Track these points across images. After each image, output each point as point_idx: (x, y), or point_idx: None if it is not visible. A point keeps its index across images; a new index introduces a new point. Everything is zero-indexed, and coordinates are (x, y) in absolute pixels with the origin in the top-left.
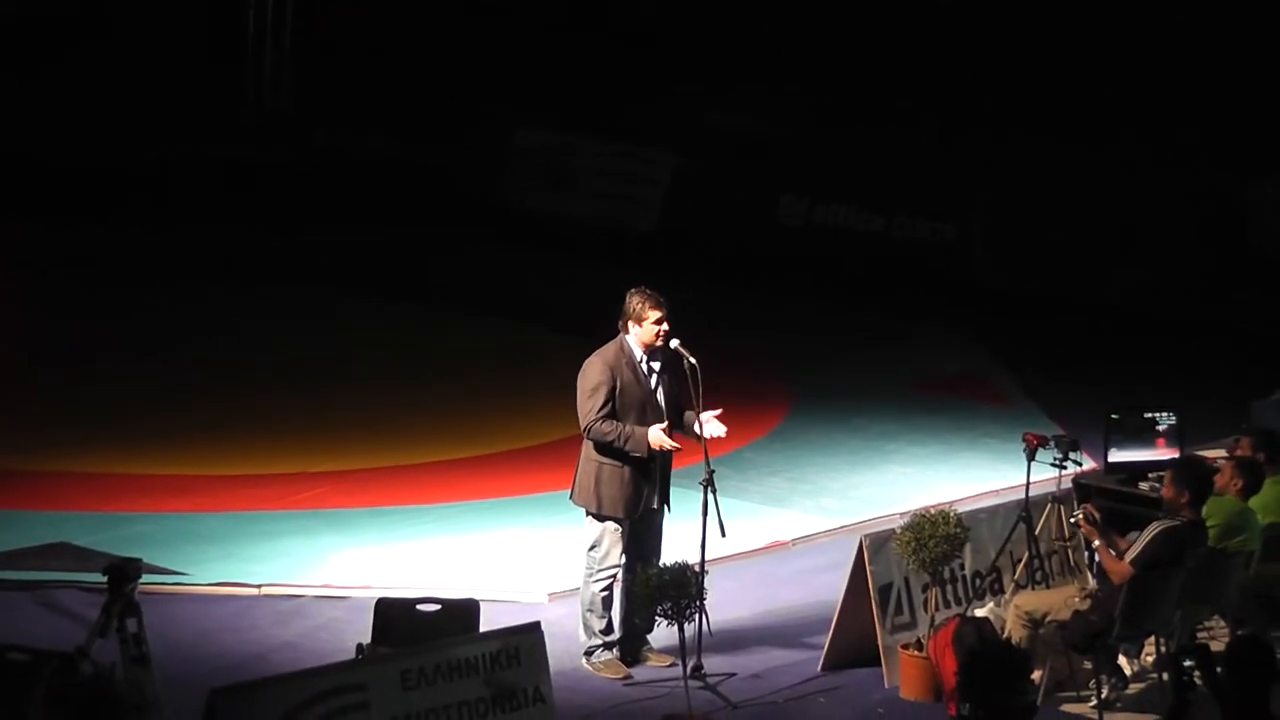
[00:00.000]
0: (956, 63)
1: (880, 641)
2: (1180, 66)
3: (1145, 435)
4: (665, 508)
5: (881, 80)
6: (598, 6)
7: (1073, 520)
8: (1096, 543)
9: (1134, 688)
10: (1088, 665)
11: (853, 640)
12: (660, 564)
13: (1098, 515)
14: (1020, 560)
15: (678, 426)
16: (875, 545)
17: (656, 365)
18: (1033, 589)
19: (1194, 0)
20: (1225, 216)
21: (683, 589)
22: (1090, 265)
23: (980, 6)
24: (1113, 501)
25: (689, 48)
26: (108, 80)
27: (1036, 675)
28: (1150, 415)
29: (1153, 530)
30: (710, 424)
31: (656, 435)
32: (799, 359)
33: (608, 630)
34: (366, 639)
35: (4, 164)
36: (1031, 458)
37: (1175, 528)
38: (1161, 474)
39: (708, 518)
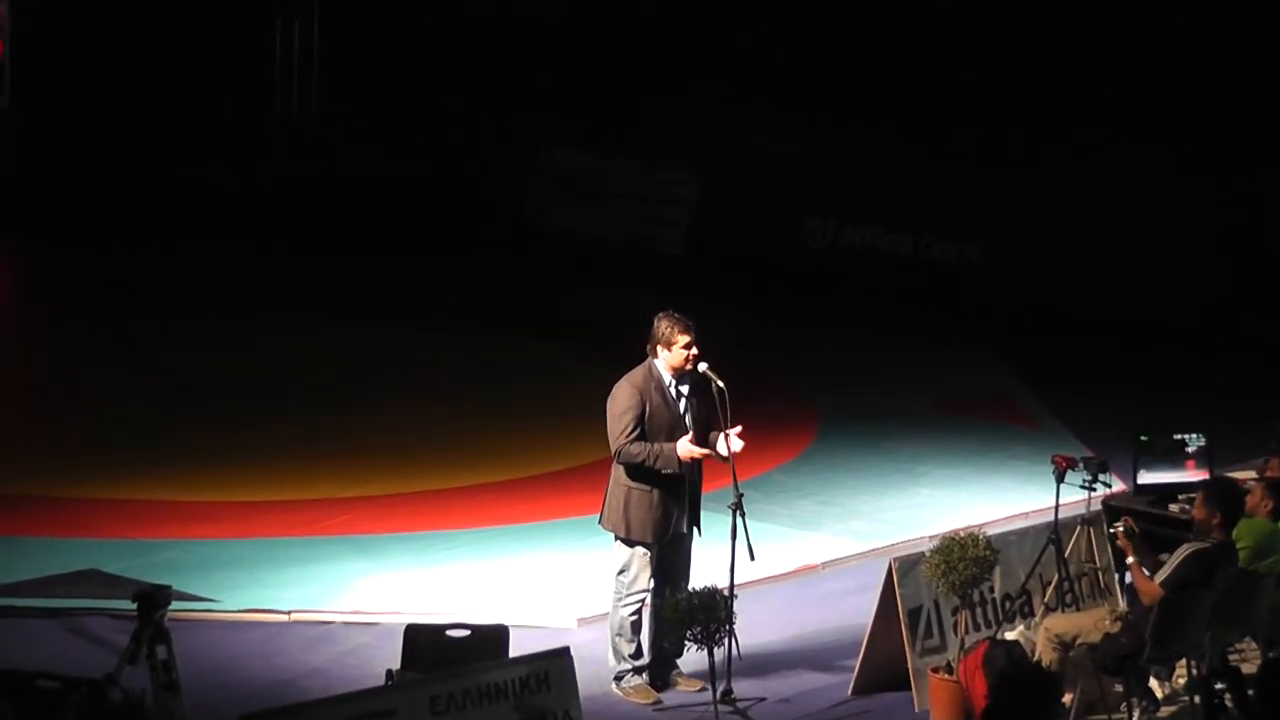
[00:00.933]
0: (983, 83)
1: (910, 665)
2: (1200, 80)
3: (1174, 457)
4: (695, 531)
5: (907, 102)
6: (626, 29)
7: (1112, 530)
8: (1130, 559)
9: (1165, 710)
10: (1118, 688)
11: (883, 663)
12: (689, 588)
13: (1137, 529)
14: (1050, 583)
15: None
16: (905, 568)
17: (685, 389)
18: (1063, 611)
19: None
20: (1251, 229)
21: (712, 613)
22: (1116, 283)
23: (1005, 31)
24: (1143, 523)
25: (717, 71)
26: (137, 101)
27: (1067, 698)
28: (1179, 437)
29: (1182, 552)
30: (728, 440)
31: (685, 447)
32: (827, 381)
33: (637, 655)
34: (396, 665)
35: (36, 186)
36: (1060, 480)
37: (1205, 550)
38: (1191, 495)
39: (737, 541)
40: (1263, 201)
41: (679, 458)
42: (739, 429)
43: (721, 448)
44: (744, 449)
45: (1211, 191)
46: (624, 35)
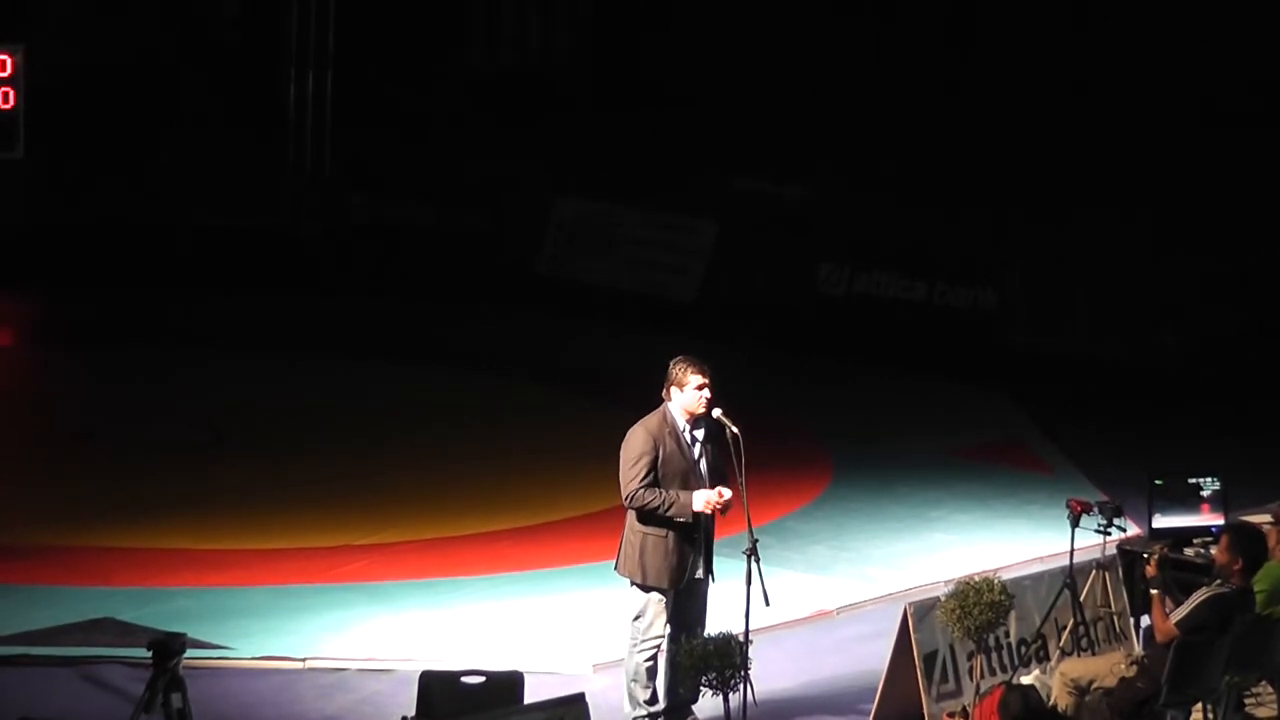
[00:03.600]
0: (997, 128)
1: (926, 710)
2: (1223, 141)
3: (1189, 500)
4: (710, 577)
5: (921, 148)
6: (640, 78)
7: (1145, 556)
8: (1154, 591)
9: None
10: None
11: (898, 709)
12: (705, 634)
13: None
14: (1065, 627)
15: None
16: (920, 613)
17: (700, 434)
18: (1078, 656)
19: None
20: (1265, 275)
21: (727, 659)
22: (1130, 329)
23: (1017, 76)
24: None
25: (728, 117)
26: (153, 152)
27: None
28: (1194, 480)
29: (1200, 595)
30: (720, 496)
31: (701, 499)
32: (841, 426)
33: (652, 701)
34: (410, 712)
35: (49, 235)
36: (1075, 524)
37: (1223, 595)
38: (1206, 540)
39: (751, 587)
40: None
41: (693, 509)
42: (729, 494)
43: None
44: (757, 495)
45: (1227, 236)
46: (637, 85)
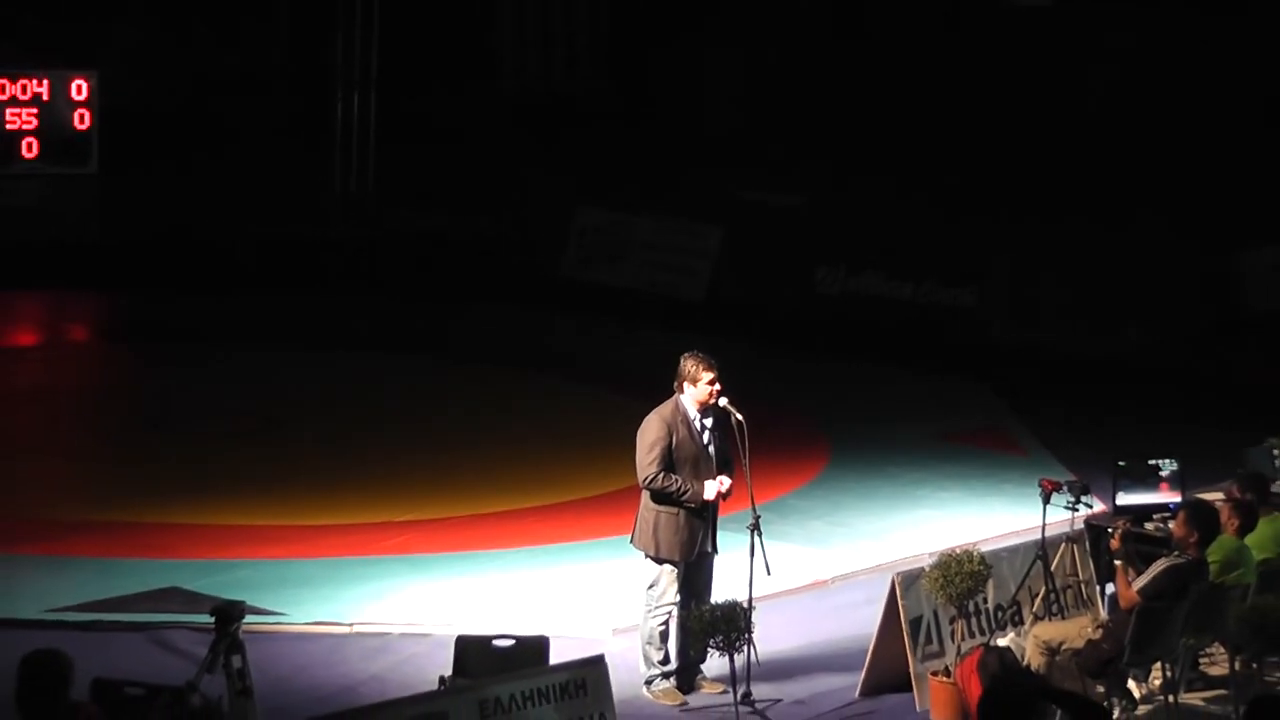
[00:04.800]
0: (977, 139)
1: (912, 669)
2: (1186, 151)
3: (1150, 480)
4: (714, 550)
5: (907, 158)
6: (655, 101)
7: (1110, 530)
8: (1118, 561)
9: (1142, 709)
10: (1100, 689)
11: (887, 668)
12: (712, 601)
13: (1131, 533)
14: (1038, 594)
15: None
16: (907, 582)
17: (709, 422)
18: (1049, 620)
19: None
20: (1223, 281)
21: (733, 623)
22: (1098, 326)
23: (999, 92)
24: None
25: (733, 131)
26: (211, 170)
27: None
28: (1154, 462)
29: (1160, 565)
30: (720, 484)
31: (712, 489)
32: (837, 414)
33: (665, 661)
34: (447, 672)
35: (121, 243)
36: (1047, 501)
37: (1180, 565)
38: (1165, 515)
39: (755, 558)
40: (1234, 257)
41: (703, 498)
42: (728, 483)
43: (715, 486)
44: (760, 476)
45: (1191, 246)
46: (650, 103)
